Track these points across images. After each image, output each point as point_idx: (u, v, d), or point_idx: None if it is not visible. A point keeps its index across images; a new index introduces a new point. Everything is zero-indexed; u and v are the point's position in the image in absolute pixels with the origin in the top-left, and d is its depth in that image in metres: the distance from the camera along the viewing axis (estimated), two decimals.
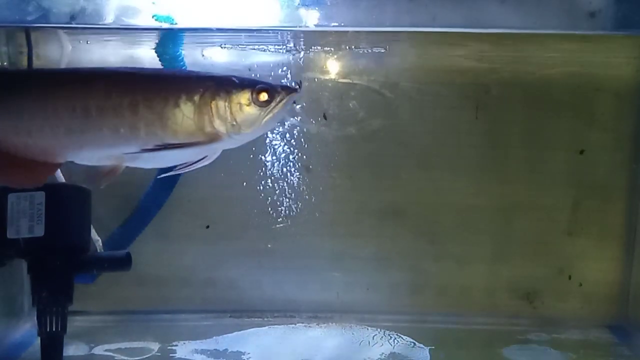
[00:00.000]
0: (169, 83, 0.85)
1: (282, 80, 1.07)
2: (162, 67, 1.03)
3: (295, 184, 1.11)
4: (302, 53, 1.07)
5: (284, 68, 1.07)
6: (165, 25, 0.86)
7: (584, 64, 1.09)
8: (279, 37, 1.01)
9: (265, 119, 0.83)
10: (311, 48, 1.07)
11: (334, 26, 0.87)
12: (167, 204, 1.10)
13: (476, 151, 1.11)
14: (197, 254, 1.14)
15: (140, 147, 0.82)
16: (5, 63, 1.05)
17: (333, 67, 1.09)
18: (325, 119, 1.10)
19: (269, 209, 1.12)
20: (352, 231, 1.13)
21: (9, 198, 0.88)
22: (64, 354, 0.90)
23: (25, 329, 1.09)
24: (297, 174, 1.11)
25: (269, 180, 1.11)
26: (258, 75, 1.06)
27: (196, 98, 0.82)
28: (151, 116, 0.82)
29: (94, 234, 1.03)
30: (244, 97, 0.82)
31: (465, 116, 1.10)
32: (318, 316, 1.14)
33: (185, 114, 0.82)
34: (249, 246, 1.13)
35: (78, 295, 0.91)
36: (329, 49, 1.07)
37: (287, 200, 1.11)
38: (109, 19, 0.86)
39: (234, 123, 0.83)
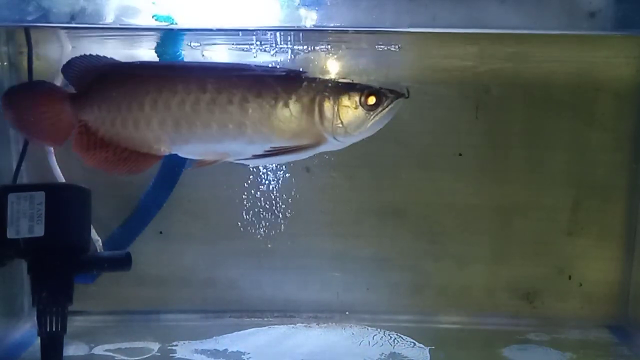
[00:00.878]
0: (278, 82, 0.86)
1: None
2: None
3: (295, 184, 1.11)
4: (302, 53, 1.07)
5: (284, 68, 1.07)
6: (165, 25, 0.87)
7: (584, 64, 1.09)
8: (279, 37, 1.01)
9: (371, 122, 0.85)
10: (311, 48, 1.07)
11: (334, 26, 0.87)
12: (167, 204, 1.10)
13: (476, 151, 1.11)
14: (197, 254, 1.14)
15: (246, 144, 0.85)
16: (5, 63, 1.05)
17: (333, 66, 1.09)
18: None
19: (269, 209, 1.12)
20: (352, 231, 1.14)
21: (9, 198, 0.88)
22: (64, 354, 0.90)
23: (25, 329, 1.09)
24: (297, 174, 1.11)
25: (269, 181, 1.11)
26: None
27: (305, 99, 0.84)
28: (259, 114, 0.84)
29: (94, 234, 1.03)
30: (353, 100, 0.84)
31: (465, 116, 1.10)
32: (318, 316, 1.14)
33: (293, 113, 0.84)
34: (249, 246, 1.13)
35: (78, 295, 0.91)
36: (328, 48, 1.07)
37: (287, 200, 1.11)
38: (109, 18, 0.86)
39: (340, 125, 0.84)
